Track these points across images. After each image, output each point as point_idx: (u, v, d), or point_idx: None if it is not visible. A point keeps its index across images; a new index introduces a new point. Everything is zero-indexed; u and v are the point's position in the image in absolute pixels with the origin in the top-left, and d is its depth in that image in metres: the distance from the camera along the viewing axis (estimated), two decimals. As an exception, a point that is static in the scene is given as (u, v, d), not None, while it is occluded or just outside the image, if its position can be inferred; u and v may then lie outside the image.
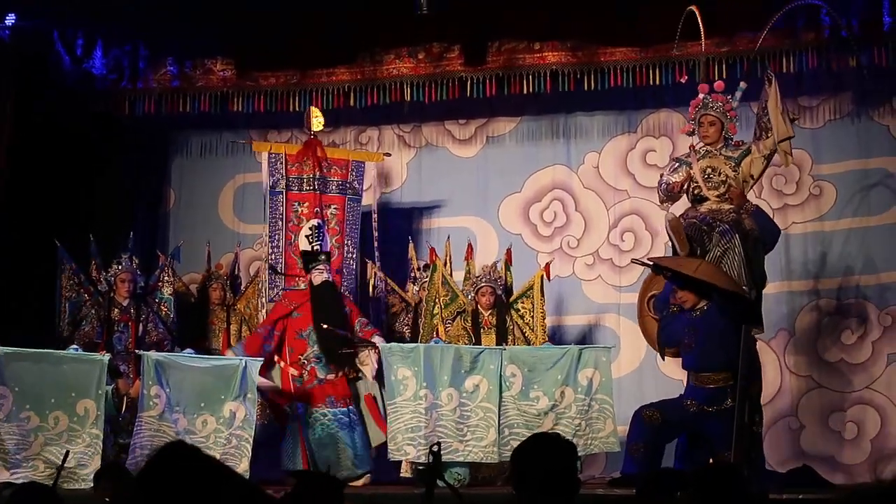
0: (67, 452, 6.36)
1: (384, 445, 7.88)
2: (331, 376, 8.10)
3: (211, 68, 9.68)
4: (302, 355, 8.14)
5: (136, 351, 8.04)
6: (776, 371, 9.03)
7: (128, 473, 5.68)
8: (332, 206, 8.93)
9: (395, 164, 10.06)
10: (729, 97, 7.67)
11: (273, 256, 8.74)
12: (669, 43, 8.17)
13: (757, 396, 7.36)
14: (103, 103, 9.66)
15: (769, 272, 7.70)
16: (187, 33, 9.45)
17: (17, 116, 9.05)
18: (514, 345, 8.22)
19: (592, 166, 9.88)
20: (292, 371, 8.11)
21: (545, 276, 8.73)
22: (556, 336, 9.16)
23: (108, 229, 9.42)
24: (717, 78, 8.15)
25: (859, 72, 8.62)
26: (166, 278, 9.02)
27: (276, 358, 8.16)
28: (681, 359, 7.48)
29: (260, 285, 8.92)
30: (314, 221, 8.49)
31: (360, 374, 8.21)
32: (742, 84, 7.78)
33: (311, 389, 8.07)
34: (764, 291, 7.59)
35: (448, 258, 9.08)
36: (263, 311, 8.71)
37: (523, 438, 3.51)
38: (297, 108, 9.49)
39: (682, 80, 8.47)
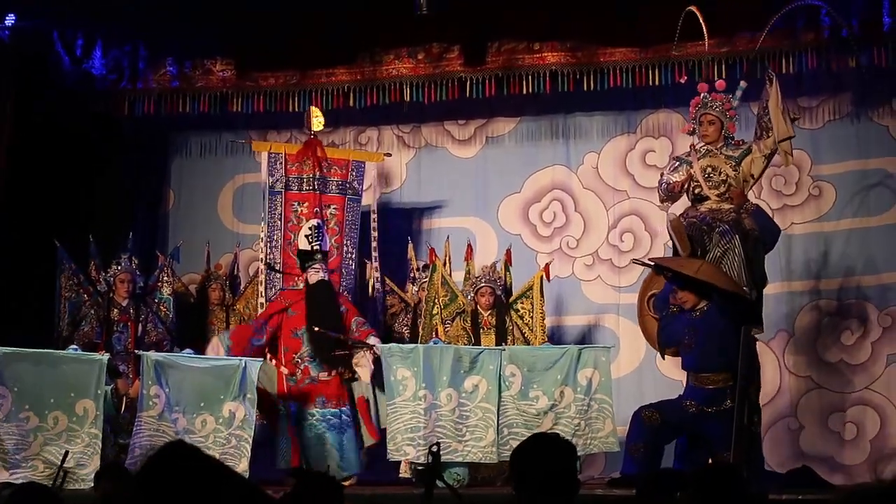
0: (67, 452, 6.37)
1: (376, 447, 7.93)
2: (324, 375, 8.09)
3: (210, 68, 9.67)
4: (296, 354, 8.14)
5: (136, 351, 8.04)
6: (776, 371, 9.03)
7: (128, 473, 5.67)
8: (332, 206, 8.92)
9: (395, 165, 10.06)
10: (730, 96, 7.68)
11: (271, 256, 8.74)
12: (669, 43, 8.17)
13: (755, 396, 7.36)
14: (103, 103, 9.67)
15: (769, 272, 7.69)
16: (187, 33, 9.45)
17: (17, 116, 9.05)
18: (513, 345, 8.22)
19: (592, 167, 9.88)
20: (284, 370, 8.11)
21: (545, 277, 8.73)
22: (555, 336, 9.17)
23: (108, 229, 9.43)
24: (716, 78, 8.15)
25: (859, 72, 8.62)
26: (165, 278, 9.03)
27: (268, 356, 8.16)
28: (680, 359, 7.48)
29: (259, 286, 8.92)
30: (314, 221, 8.48)
31: (356, 376, 8.20)
32: (742, 83, 7.78)
33: (303, 388, 8.07)
34: (764, 292, 7.60)
35: (447, 258, 9.08)
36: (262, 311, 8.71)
37: (523, 438, 3.51)
38: (296, 109, 9.49)
39: (682, 81, 8.47)
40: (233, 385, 7.42)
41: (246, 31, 9.43)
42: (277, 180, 8.86)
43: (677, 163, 7.80)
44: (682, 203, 7.84)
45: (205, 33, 9.44)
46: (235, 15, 9.25)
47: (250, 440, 7.39)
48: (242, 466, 7.16)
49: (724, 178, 7.54)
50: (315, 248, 8.24)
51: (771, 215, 8.18)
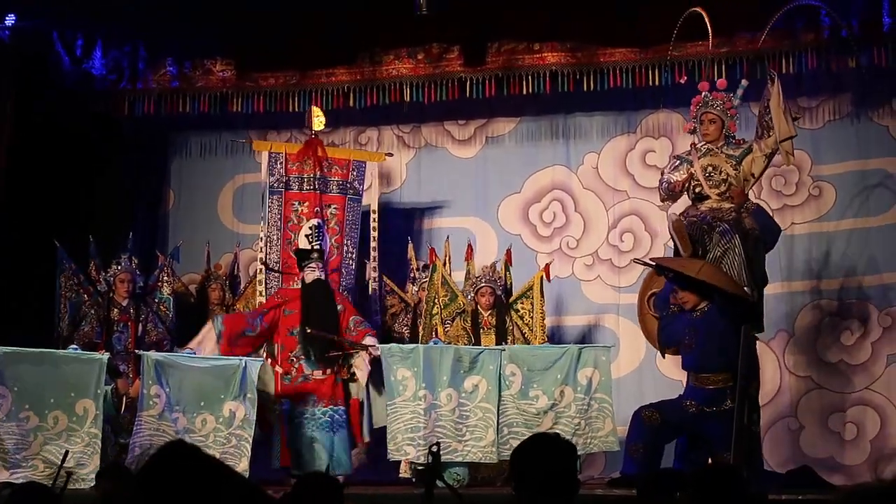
0: (67, 452, 6.36)
1: (369, 446, 7.98)
2: (318, 374, 8.07)
3: (210, 69, 9.67)
4: (292, 352, 8.14)
5: (136, 351, 8.04)
6: (776, 371, 9.03)
7: (128, 473, 5.67)
8: (333, 206, 8.92)
9: (395, 165, 10.06)
10: (731, 95, 7.68)
11: (271, 256, 8.74)
12: (669, 44, 8.17)
13: (755, 395, 7.36)
14: (103, 104, 9.67)
15: (769, 272, 7.70)
16: (187, 34, 9.45)
17: (17, 116, 9.05)
18: (513, 345, 8.22)
19: (592, 167, 9.89)
20: (279, 369, 8.11)
21: (545, 277, 8.73)
22: (555, 336, 9.17)
23: (108, 229, 9.43)
24: (716, 79, 8.15)
25: (859, 72, 8.62)
26: (165, 278, 9.03)
27: (263, 355, 8.15)
28: (681, 358, 7.48)
29: (259, 286, 8.92)
30: (314, 221, 8.48)
31: (353, 376, 8.19)
32: (744, 82, 7.78)
33: (297, 387, 8.06)
34: (764, 291, 7.60)
35: (447, 258, 9.08)
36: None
37: (523, 437, 3.51)
38: (296, 109, 9.49)
39: (682, 81, 8.47)
40: (233, 385, 7.43)
41: (246, 31, 9.43)
42: (277, 180, 8.86)
43: (678, 161, 7.80)
44: (683, 202, 7.84)
45: (205, 33, 9.44)
46: (235, 15, 9.25)
47: (250, 440, 7.39)
48: (242, 466, 7.16)
49: (725, 177, 7.54)
50: (315, 247, 8.24)
51: (771, 215, 8.18)
